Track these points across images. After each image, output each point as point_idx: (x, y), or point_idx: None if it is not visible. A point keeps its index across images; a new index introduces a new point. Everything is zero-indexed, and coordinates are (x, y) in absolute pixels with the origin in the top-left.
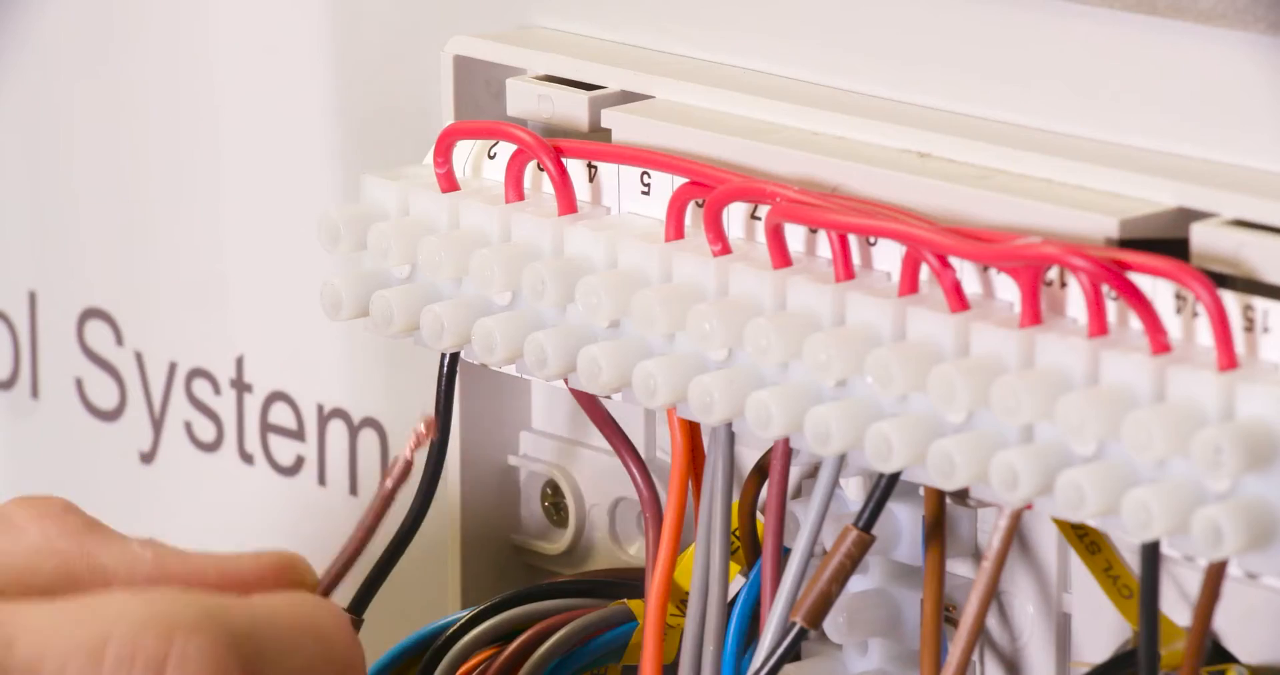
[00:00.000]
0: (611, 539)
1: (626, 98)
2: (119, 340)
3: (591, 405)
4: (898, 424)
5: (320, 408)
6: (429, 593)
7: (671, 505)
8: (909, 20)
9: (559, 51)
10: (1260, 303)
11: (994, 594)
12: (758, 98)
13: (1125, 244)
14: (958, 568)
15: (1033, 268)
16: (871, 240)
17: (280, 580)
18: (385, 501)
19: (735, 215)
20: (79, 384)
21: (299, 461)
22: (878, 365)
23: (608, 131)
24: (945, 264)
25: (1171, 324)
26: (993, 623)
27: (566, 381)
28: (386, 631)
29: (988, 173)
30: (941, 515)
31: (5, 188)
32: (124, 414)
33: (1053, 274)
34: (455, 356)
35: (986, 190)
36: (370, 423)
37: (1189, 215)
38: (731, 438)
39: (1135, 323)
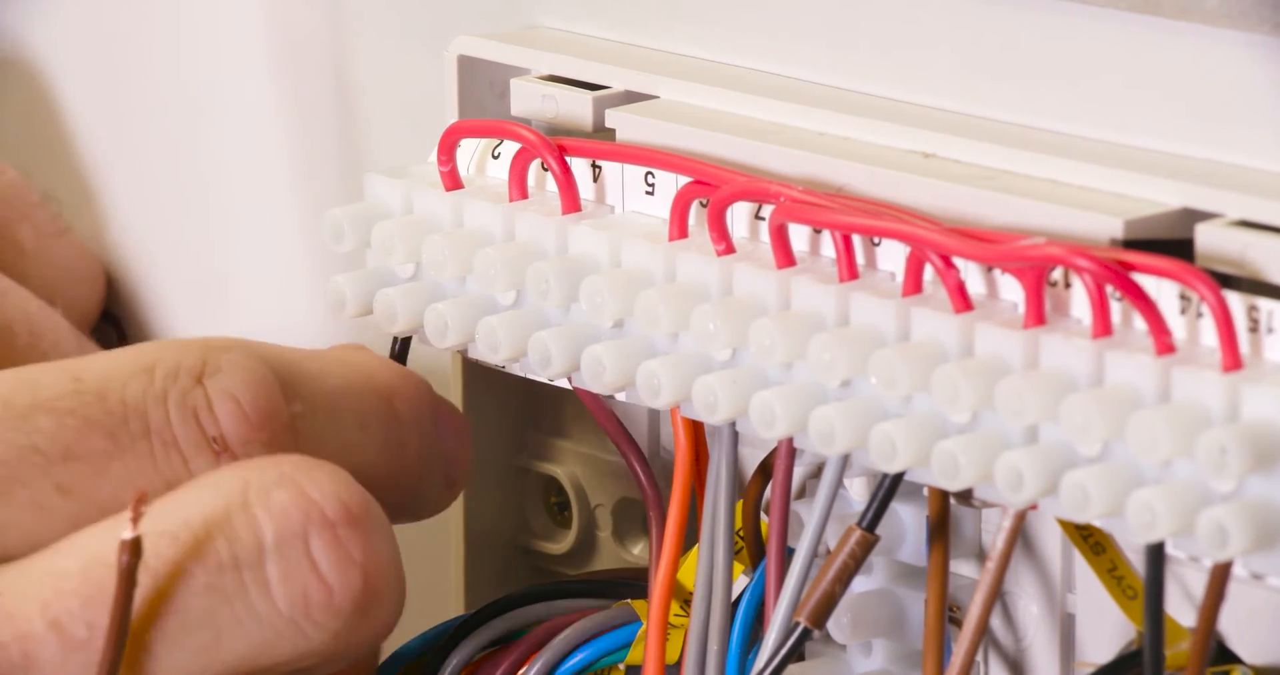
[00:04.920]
0: (615, 539)
1: (631, 98)
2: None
3: (595, 405)
4: (902, 424)
5: None
6: (433, 593)
7: (675, 505)
8: (914, 21)
9: (563, 51)
10: (1265, 303)
11: (998, 594)
12: (762, 98)
13: (1130, 245)
14: (962, 568)
15: (1037, 268)
16: (876, 240)
17: None
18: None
19: (739, 215)
20: None
21: None
22: (882, 365)
23: (612, 131)
24: (949, 264)
25: (1176, 325)
26: (997, 623)
27: (570, 380)
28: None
29: (992, 173)
30: (945, 516)
31: None
32: None
33: (1057, 275)
34: (407, 341)
35: (991, 191)
36: None
37: (1194, 216)
38: (735, 437)
39: (1140, 324)
